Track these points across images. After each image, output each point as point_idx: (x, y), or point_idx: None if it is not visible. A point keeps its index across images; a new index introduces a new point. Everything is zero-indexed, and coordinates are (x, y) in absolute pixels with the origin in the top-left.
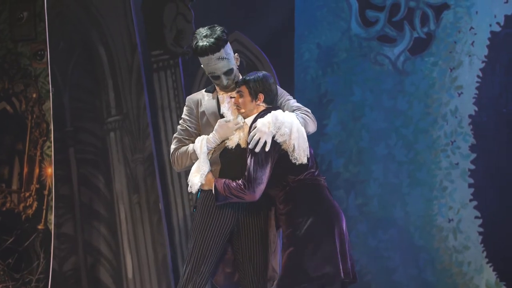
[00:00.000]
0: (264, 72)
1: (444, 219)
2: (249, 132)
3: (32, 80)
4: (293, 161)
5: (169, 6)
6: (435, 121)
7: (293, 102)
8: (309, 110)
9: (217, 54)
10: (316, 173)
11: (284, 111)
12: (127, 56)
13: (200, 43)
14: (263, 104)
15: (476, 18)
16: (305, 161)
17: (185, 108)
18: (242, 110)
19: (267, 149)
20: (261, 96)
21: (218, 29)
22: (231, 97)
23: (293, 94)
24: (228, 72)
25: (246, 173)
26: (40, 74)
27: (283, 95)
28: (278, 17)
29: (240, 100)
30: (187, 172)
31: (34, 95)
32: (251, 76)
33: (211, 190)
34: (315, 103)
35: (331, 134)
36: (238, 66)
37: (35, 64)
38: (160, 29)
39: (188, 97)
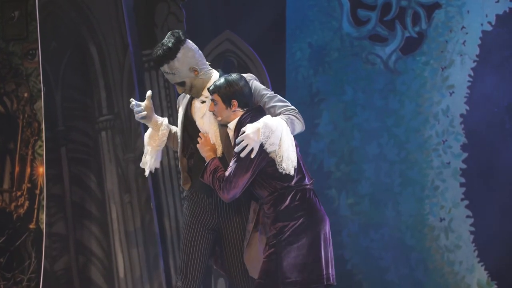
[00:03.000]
0: (234, 75)
1: (436, 218)
2: (235, 135)
3: (23, 79)
4: (280, 170)
5: (161, 5)
6: (426, 121)
7: (276, 101)
8: (296, 109)
9: (163, 68)
10: (305, 180)
11: (267, 111)
12: (118, 55)
13: (154, 51)
14: (239, 109)
15: (468, 18)
16: (292, 172)
17: None
18: (219, 118)
19: (252, 156)
20: (235, 102)
21: (172, 40)
22: (202, 102)
23: (284, 93)
24: (179, 84)
25: (226, 173)
26: (31, 74)
27: (260, 92)
28: (270, 16)
29: (215, 108)
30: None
31: (26, 95)
32: (221, 82)
33: (194, 191)
34: (307, 103)
35: (322, 133)
36: (206, 71)
37: (26, 63)
38: (151, 28)
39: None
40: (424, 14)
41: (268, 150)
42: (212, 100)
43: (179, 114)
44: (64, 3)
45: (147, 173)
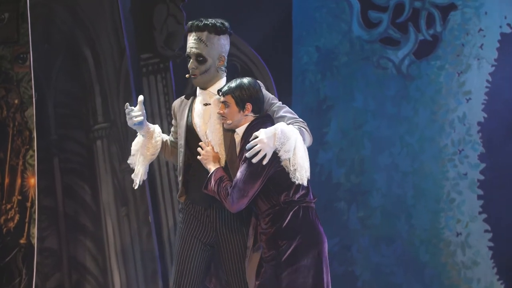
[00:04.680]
0: (249, 79)
1: (452, 233)
2: (242, 142)
3: (13, 85)
4: (293, 180)
5: (159, 7)
6: (441, 129)
7: (286, 112)
8: (305, 122)
9: (198, 34)
10: (308, 197)
11: (275, 121)
12: (114, 59)
13: (199, 19)
14: (251, 114)
15: (485, 19)
16: (305, 182)
17: None
18: (229, 122)
19: (264, 162)
20: (249, 106)
21: (222, 21)
22: (205, 105)
23: (290, 100)
24: (200, 59)
25: (234, 180)
26: (22, 79)
27: (270, 100)
28: (275, 18)
29: (226, 110)
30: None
31: (16, 101)
32: (236, 84)
33: (190, 203)
34: (314, 109)
35: (331, 142)
36: (223, 70)
37: (17, 68)
38: (149, 31)
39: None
40: (439, 16)
41: (282, 158)
42: (224, 102)
43: (180, 121)
44: (57, 4)
45: (137, 185)
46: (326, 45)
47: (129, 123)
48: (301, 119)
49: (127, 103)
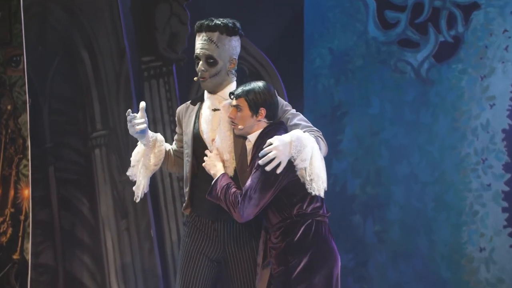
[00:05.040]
0: (264, 82)
1: (475, 248)
2: (254, 150)
3: (6, 89)
4: (309, 190)
5: (162, 6)
6: (463, 137)
7: (300, 119)
8: (320, 131)
9: (209, 34)
10: (322, 210)
11: (289, 129)
12: (114, 62)
13: (209, 19)
14: (265, 120)
15: (511, 19)
16: (322, 193)
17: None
18: (240, 127)
19: (278, 171)
20: (263, 111)
21: (233, 22)
22: (214, 110)
23: (302, 105)
24: (210, 61)
25: (243, 189)
26: (15, 83)
27: (283, 107)
28: (285, 17)
29: (238, 114)
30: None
31: (9, 107)
32: (250, 87)
33: (196, 216)
34: (328, 116)
35: (345, 151)
36: (233, 74)
37: (10, 71)
38: (151, 32)
39: (177, 108)
40: (461, 16)
41: (298, 167)
42: (236, 106)
43: (185, 128)
44: (52, 3)
45: (139, 198)
46: (340, 47)
47: (131, 131)
48: (316, 128)
49: (129, 110)
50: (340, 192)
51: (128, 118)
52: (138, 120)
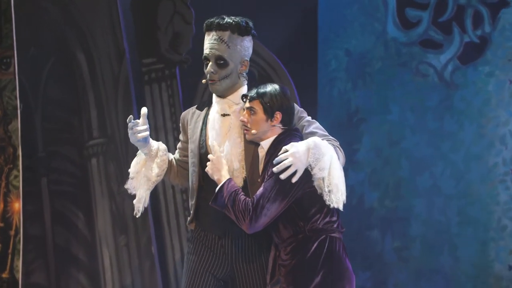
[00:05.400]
0: (280, 85)
1: (503, 266)
2: (266, 158)
3: None
4: (327, 203)
5: (164, 4)
6: (491, 145)
7: (316, 128)
8: (337, 141)
9: (220, 33)
10: (336, 224)
11: (304, 137)
12: (112, 64)
13: (220, 17)
14: (280, 125)
15: None
16: (341, 206)
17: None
18: (253, 131)
19: (294, 180)
20: (279, 115)
21: (246, 20)
22: (223, 115)
23: (316, 112)
24: (221, 62)
25: (255, 197)
26: (5, 87)
27: (299, 113)
28: (298, 16)
29: (252, 118)
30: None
31: None
32: (266, 89)
33: (202, 231)
34: (344, 124)
35: (363, 161)
36: (244, 77)
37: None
38: (153, 31)
39: (182, 114)
40: (488, 14)
41: (316, 176)
42: (249, 108)
43: (191, 136)
44: (45, 1)
45: (139, 212)
46: (357, 48)
47: (132, 139)
48: (333, 138)
49: (130, 116)
50: (357, 205)
51: (130, 124)
52: (140, 127)
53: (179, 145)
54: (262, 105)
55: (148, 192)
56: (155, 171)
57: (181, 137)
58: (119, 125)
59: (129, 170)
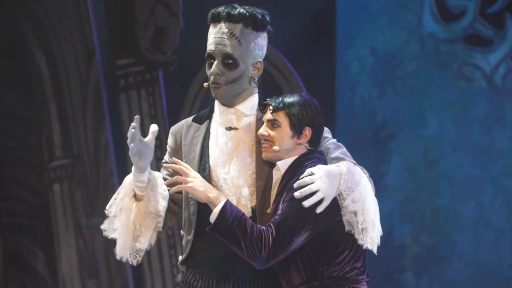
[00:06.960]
0: (308, 95)
1: None
2: (282, 183)
3: None
4: (360, 242)
5: None
6: None
7: (343, 153)
8: (366, 172)
9: (230, 25)
10: (362, 269)
11: (329, 162)
12: (79, 67)
13: (221, 7)
14: (306, 145)
15: None
16: (375, 249)
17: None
18: (276, 148)
19: (319, 210)
20: (308, 132)
21: (263, 12)
22: (229, 129)
23: (333, 126)
24: (229, 62)
25: (273, 225)
26: None
27: (324, 133)
28: (311, 9)
29: (274, 132)
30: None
31: None
32: (294, 99)
33: (198, 273)
34: (368, 139)
35: (392, 187)
36: (256, 83)
37: None
38: (130, 26)
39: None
40: None
41: (348, 209)
42: (272, 121)
43: (188, 155)
44: None
45: (136, 261)
46: (385, 46)
47: (134, 148)
48: (361, 166)
49: (137, 116)
50: (385, 241)
51: (133, 124)
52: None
53: (163, 172)
54: (289, 118)
55: (147, 239)
56: (162, 203)
57: (167, 158)
58: (88, 143)
59: (110, 204)
